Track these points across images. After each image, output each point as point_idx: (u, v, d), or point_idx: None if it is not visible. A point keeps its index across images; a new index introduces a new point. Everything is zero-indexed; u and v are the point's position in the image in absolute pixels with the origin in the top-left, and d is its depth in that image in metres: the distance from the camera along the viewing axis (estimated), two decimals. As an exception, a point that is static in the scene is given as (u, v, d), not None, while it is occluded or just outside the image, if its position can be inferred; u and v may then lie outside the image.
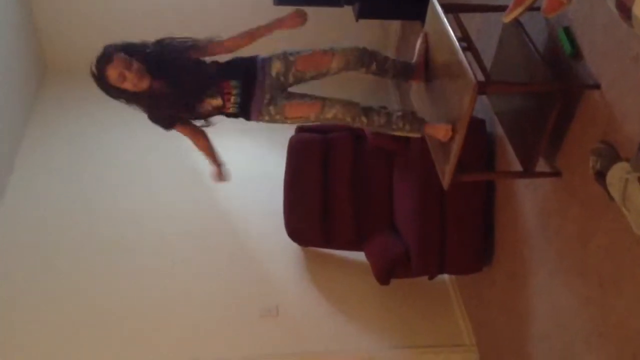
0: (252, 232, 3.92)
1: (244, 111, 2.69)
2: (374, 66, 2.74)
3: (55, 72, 4.79)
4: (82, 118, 4.41)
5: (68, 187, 4.05)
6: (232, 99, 2.66)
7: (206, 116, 2.71)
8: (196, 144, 2.83)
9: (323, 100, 2.64)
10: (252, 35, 2.71)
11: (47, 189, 4.02)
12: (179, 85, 2.60)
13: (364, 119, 2.61)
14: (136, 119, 3.60)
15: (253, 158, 4.35)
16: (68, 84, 4.59)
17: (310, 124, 2.75)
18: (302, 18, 2.68)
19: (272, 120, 2.69)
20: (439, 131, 2.55)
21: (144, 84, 2.54)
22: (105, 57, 2.49)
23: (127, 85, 2.51)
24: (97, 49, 4.61)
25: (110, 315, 3.44)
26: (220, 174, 2.92)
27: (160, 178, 4.17)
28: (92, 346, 3.31)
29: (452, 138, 2.50)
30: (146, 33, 4.80)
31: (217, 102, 2.65)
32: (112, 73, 2.49)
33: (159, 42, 2.64)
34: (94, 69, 2.52)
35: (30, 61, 4.56)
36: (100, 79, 2.52)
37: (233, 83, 2.65)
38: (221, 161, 2.90)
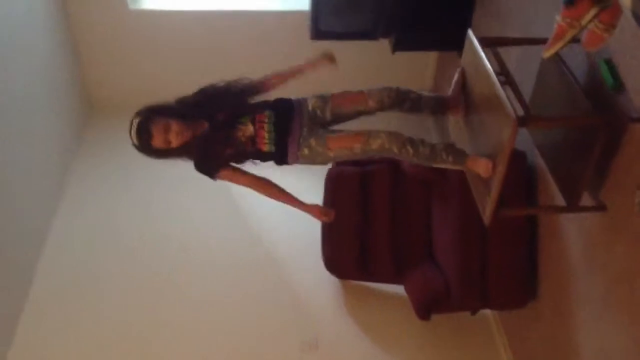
0: (290, 265, 3.93)
1: (280, 147, 2.66)
2: (407, 104, 2.75)
3: (100, 111, 4.92)
4: (127, 155, 4.48)
5: (112, 219, 4.14)
6: (266, 128, 2.63)
7: (243, 152, 2.68)
8: (260, 191, 2.78)
9: (368, 131, 2.61)
10: (289, 73, 2.79)
11: (91, 221, 4.12)
12: (214, 116, 2.65)
13: (410, 149, 2.57)
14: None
15: (291, 189, 4.35)
16: (113, 122, 4.70)
17: (355, 157, 2.67)
18: (331, 60, 2.76)
19: (313, 153, 2.63)
20: (480, 166, 2.53)
21: (189, 135, 2.60)
22: (144, 133, 2.56)
23: (174, 144, 2.58)
24: (141, 87, 4.74)
25: (148, 342, 3.49)
26: (319, 213, 2.85)
27: (201, 210, 4.23)
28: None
29: (492, 174, 2.47)
30: (188, 73, 4.96)
31: (249, 130, 2.63)
32: (158, 142, 2.57)
33: (201, 90, 2.71)
34: (137, 145, 2.59)
35: (77, 101, 4.71)
36: (148, 152, 2.61)
37: (267, 113, 2.66)
38: (302, 203, 2.84)
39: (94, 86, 4.88)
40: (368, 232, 3.56)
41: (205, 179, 4.15)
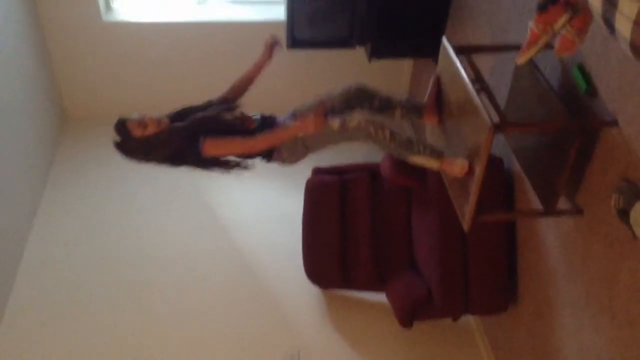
0: (271, 275, 3.90)
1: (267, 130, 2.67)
2: (376, 102, 2.81)
3: (74, 120, 4.88)
4: (102, 166, 4.46)
5: (89, 232, 4.08)
6: (253, 119, 2.74)
7: (231, 129, 2.67)
8: (251, 144, 2.64)
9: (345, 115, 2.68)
10: (246, 78, 2.87)
11: (69, 234, 4.06)
12: (198, 116, 2.69)
13: (386, 132, 2.61)
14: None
15: (271, 200, 4.37)
16: (87, 134, 4.68)
17: (334, 139, 2.66)
18: (275, 42, 2.82)
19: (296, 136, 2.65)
20: (455, 167, 2.55)
21: (165, 123, 2.62)
22: (122, 119, 2.60)
23: (150, 130, 2.57)
24: (115, 98, 4.73)
25: (127, 356, 3.43)
26: (313, 122, 2.59)
27: (179, 222, 4.19)
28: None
29: (469, 174, 2.49)
30: (163, 85, 4.93)
31: (238, 112, 2.73)
32: (133, 125, 2.58)
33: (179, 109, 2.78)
34: (116, 135, 2.60)
35: (51, 112, 4.65)
36: (124, 137, 2.59)
37: (254, 116, 2.76)
38: (293, 126, 2.64)
39: (68, 97, 4.83)
40: (349, 241, 3.56)
41: (184, 189, 4.12)
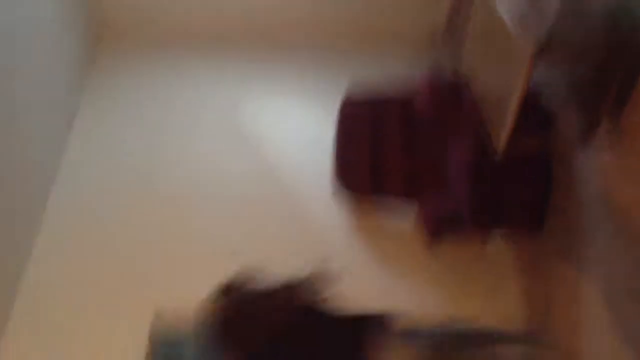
0: (301, 193, 3.95)
1: None
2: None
3: (111, 36, 4.69)
4: (137, 84, 4.47)
5: (124, 150, 4.15)
6: None
7: None
8: None
9: None
10: None
11: (104, 154, 4.14)
12: None
13: None
14: (189, 81, 3.52)
15: (304, 121, 4.39)
16: (124, 48, 4.57)
17: None
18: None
19: None
20: None
21: None
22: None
23: None
24: (153, 12, 4.38)
25: (154, 274, 3.54)
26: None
27: (212, 139, 4.23)
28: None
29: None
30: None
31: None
32: None
33: None
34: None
35: (86, 25, 4.53)
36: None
37: None
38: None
39: (106, 7, 4.58)
40: (381, 158, 3.53)
41: (218, 107, 4.03)
